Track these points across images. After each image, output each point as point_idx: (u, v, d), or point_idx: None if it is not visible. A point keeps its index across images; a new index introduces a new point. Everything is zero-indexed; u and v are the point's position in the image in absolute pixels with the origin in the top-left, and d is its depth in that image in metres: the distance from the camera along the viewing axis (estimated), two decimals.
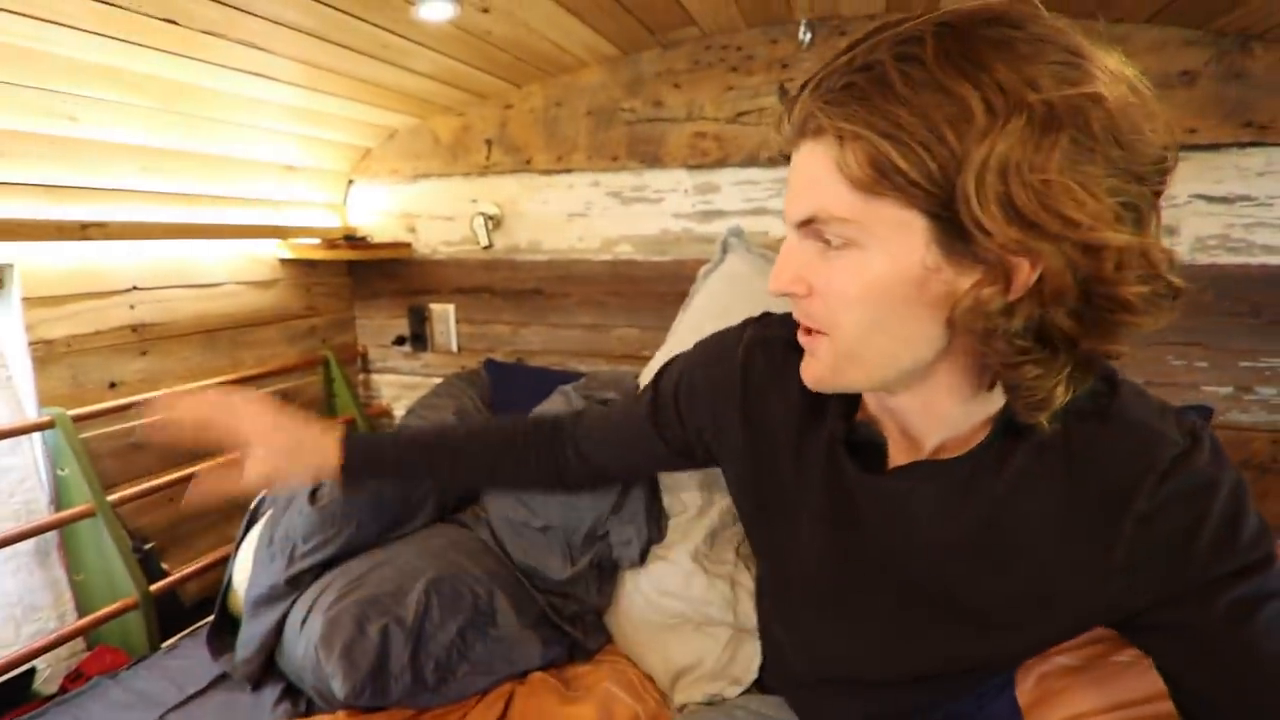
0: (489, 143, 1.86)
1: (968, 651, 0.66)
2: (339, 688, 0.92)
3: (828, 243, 0.53)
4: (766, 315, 0.79)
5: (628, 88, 1.71)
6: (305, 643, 1.01)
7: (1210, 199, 1.40)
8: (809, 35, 1.53)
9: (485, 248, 1.91)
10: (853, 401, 0.69)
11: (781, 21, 1.56)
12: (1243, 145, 1.37)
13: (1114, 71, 0.48)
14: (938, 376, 0.57)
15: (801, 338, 0.60)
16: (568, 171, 1.80)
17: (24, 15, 1.01)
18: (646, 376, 1.46)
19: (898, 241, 0.50)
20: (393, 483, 0.92)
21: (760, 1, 1.44)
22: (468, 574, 1.14)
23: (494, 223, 1.89)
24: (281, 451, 0.82)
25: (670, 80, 1.67)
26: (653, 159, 1.72)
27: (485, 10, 1.29)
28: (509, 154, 1.85)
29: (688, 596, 1.15)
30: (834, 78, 0.50)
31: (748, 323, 0.79)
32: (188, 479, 1.48)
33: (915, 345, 0.54)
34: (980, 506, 0.60)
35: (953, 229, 0.48)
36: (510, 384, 1.74)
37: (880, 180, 0.48)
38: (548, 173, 1.82)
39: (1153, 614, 0.56)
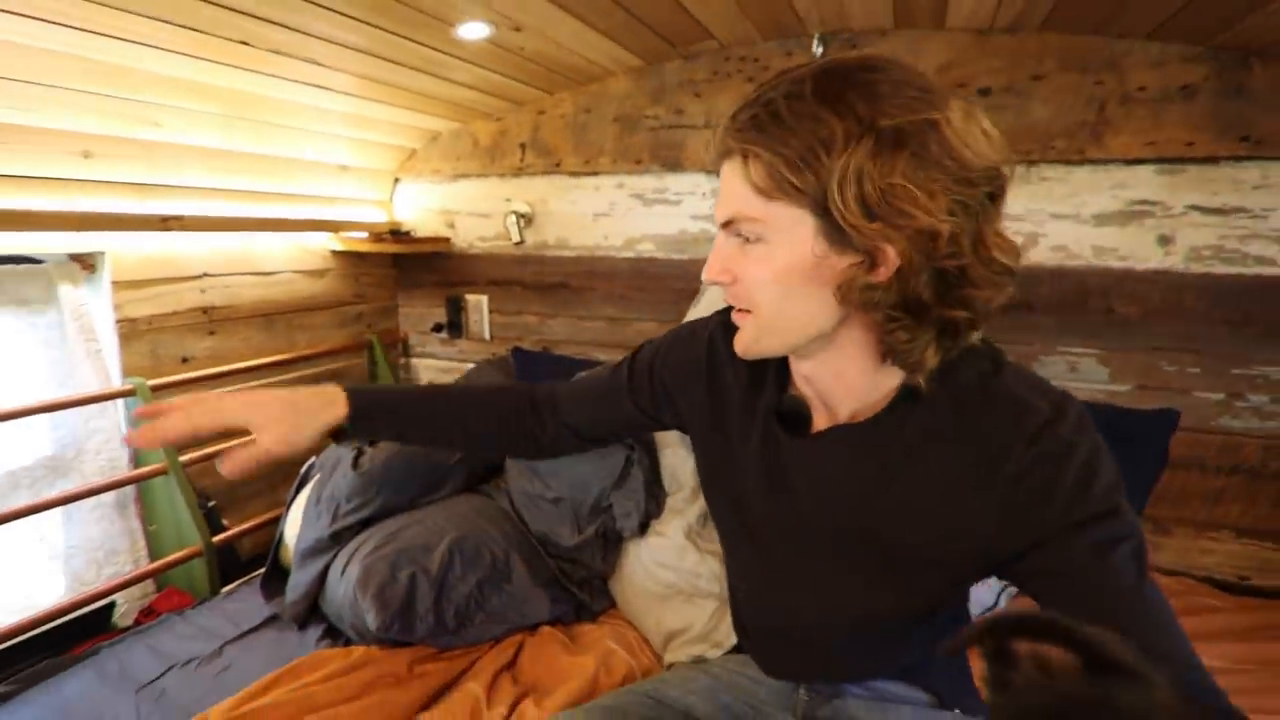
0: (523, 146, 2.00)
1: (889, 593, 0.76)
2: (371, 621, 1.07)
3: (745, 239, 0.65)
4: (731, 308, 0.91)
5: (651, 96, 1.83)
6: (345, 586, 1.17)
7: (1206, 210, 1.44)
8: (822, 48, 1.62)
9: (517, 243, 2.05)
10: (785, 378, 0.80)
11: (796, 35, 1.65)
12: (1239, 159, 1.41)
13: (955, 105, 0.59)
14: (842, 347, 0.68)
15: (734, 316, 0.72)
16: (594, 174, 1.93)
17: (121, 39, 1.18)
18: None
19: (794, 235, 0.62)
20: (395, 432, 0.99)
21: (774, 17, 1.54)
22: (488, 536, 1.28)
23: (526, 220, 2.03)
24: (281, 418, 0.85)
25: (691, 89, 1.78)
26: (673, 163, 1.83)
27: (517, 29, 1.42)
28: (541, 157, 1.98)
29: (680, 569, 1.27)
30: (743, 112, 0.62)
31: (717, 314, 0.91)
32: (250, 443, 1.66)
33: (816, 317, 0.66)
34: (883, 463, 0.71)
35: (832, 224, 0.59)
36: (534, 370, 1.88)
37: (776, 188, 0.60)
38: (576, 175, 1.95)
39: (1027, 558, 0.65)
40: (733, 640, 1.18)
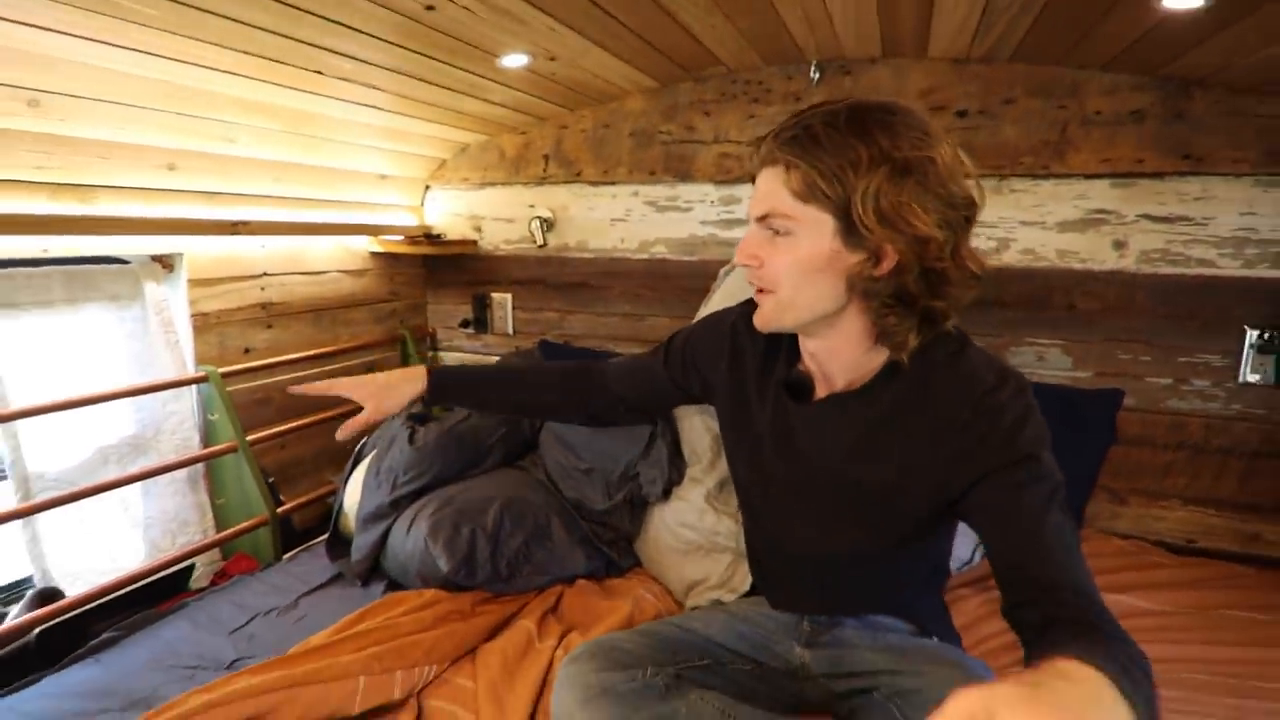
0: (546, 157, 2.19)
1: (872, 531, 0.96)
2: (443, 566, 1.26)
3: (775, 232, 0.85)
4: (750, 300, 1.11)
5: (665, 114, 2.02)
6: (413, 541, 1.35)
7: (1154, 218, 1.65)
8: (818, 74, 1.82)
9: (540, 246, 2.24)
10: (793, 356, 1.00)
11: (795, 61, 1.85)
12: (1182, 174, 1.62)
13: (948, 146, 0.79)
14: (843, 328, 0.88)
15: (756, 295, 0.92)
16: (612, 183, 2.12)
17: (202, 66, 1.34)
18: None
19: (817, 232, 0.81)
20: (472, 401, 1.25)
21: (775, 46, 1.73)
22: (530, 501, 1.47)
23: (548, 225, 2.22)
24: (377, 393, 1.16)
25: (701, 109, 1.98)
26: (684, 174, 2.02)
27: (552, 59, 1.61)
28: (563, 167, 2.17)
29: (700, 528, 1.46)
30: (786, 131, 0.82)
31: (738, 305, 1.11)
32: (299, 429, 1.85)
33: (825, 300, 0.85)
34: (867, 424, 0.90)
35: (849, 226, 0.79)
36: (560, 360, 2.07)
37: (810, 194, 0.80)
38: (595, 184, 2.15)
39: (969, 496, 0.85)
40: (746, 587, 1.37)
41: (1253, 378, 1.62)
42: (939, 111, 1.77)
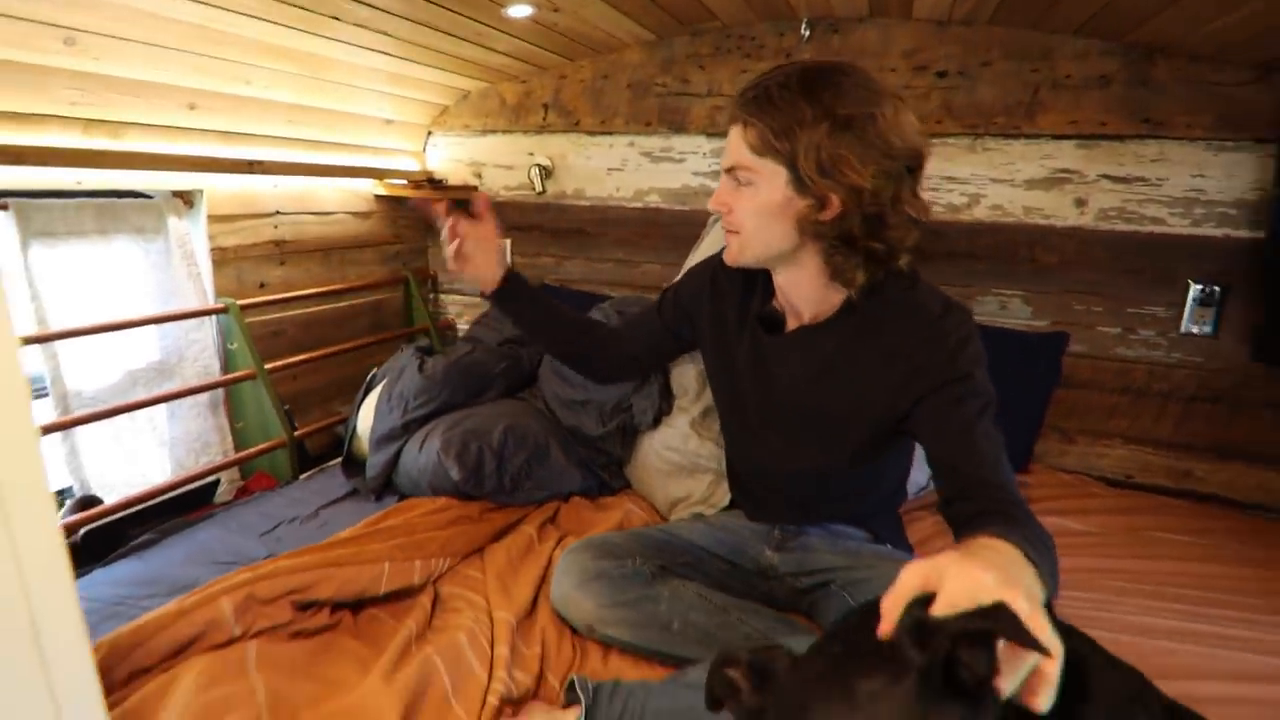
0: (546, 106, 2.27)
1: (833, 447, 1.11)
2: (455, 475, 1.41)
3: (739, 182, 0.98)
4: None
5: (661, 66, 2.11)
6: (426, 456, 1.49)
7: (1113, 178, 1.78)
8: (809, 32, 1.91)
9: (539, 193, 2.34)
10: (768, 295, 1.13)
11: (787, 18, 1.93)
12: (1141, 137, 1.74)
13: (892, 104, 0.90)
14: (802, 265, 1.01)
15: (726, 236, 1.05)
16: (609, 133, 2.21)
17: (224, 9, 1.41)
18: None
19: (772, 183, 0.94)
20: (527, 320, 1.31)
21: (769, 2, 1.82)
22: (531, 426, 1.61)
23: (547, 173, 2.31)
24: (482, 264, 1.24)
25: (696, 62, 2.06)
26: (679, 126, 2.12)
27: (556, 10, 1.69)
28: (562, 116, 2.26)
29: (685, 450, 1.61)
30: (749, 92, 0.95)
31: (717, 254, 1.23)
32: (312, 360, 1.97)
33: (780, 240, 0.98)
34: (829, 353, 1.04)
35: (798, 177, 0.92)
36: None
37: (765, 149, 0.92)
38: (593, 133, 2.23)
39: (913, 412, 0.99)
40: (725, 502, 1.53)
41: (1193, 329, 1.77)
42: (921, 71, 1.87)
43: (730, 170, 0.99)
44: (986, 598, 0.50)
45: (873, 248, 0.95)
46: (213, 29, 1.48)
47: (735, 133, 0.97)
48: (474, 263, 1.23)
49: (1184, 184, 1.72)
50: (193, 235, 1.77)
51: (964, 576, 0.53)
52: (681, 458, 1.62)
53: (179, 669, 0.94)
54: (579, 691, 0.97)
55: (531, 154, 2.32)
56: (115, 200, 1.62)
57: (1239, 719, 1.00)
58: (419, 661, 1.00)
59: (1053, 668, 0.49)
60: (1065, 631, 0.59)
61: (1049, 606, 0.60)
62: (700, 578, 1.23)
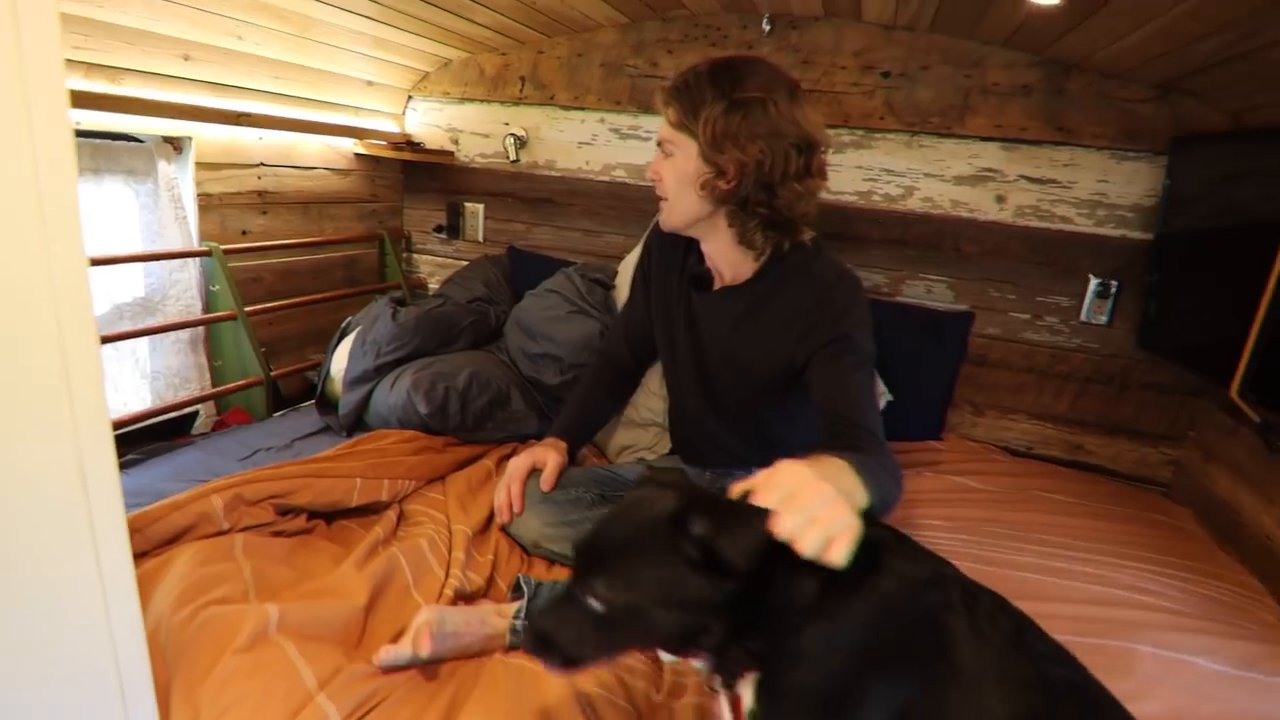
0: (523, 79, 2.39)
1: (749, 393, 1.29)
2: (422, 408, 1.56)
3: (666, 154, 1.14)
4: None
5: (633, 49, 2.25)
6: (397, 394, 1.64)
7: (1031, 179, 1.98)
8: (769, 26, 2.07)
9: (512, 162, 2.47)
10: (698, 258, 1.30)
11: (751, 12, 2.09)
12: (1056, 143, 1.94)
13: (786, 94, 1.07)
14: (718, 230, 1.18)
15: (659, 203, 1.22)
16: (582, 109, 2.35)
17: None
18: (622, 267, 2.07)
19: (686, 153, 1.11)
20: (586, 437, 1.54)
21: None
22: (495, 374, 1.76)
23: (521, 143, 2.44)
24: (555, 461, 1.35)
25: (665, 47, 2.21)
26: (647, 106, 2.26)
27: None
28: (537, 90, 2.38)
29: (633, 404, 1.78)
30: (674, 80, 1.12)
31: (652, 227, 1.40)
32: (289, 306, 2.08)
33: (696, 205, 1.16)
34: (744, 312, 1.22)
35: (702, 150, 1.08)
36: (526, 266, 2.34)
37: (680, 125, 1.10)
38: (566, 108, 2.37)
39: (809, 364, 1.17)
40: (667, 450, 1.71)
41: (1091, 318, 1.99)
42: (868, 70, 2.04)
43: (660, 144, 1.16)
44: (800, 483, 0.68)
45: (765, 213, 1.12)
46: None
47: (665, 114, 1.14)
48: (550, 464, 1.36)
49: (1090, 188, 1.93)
50: (180, 180, 1.87)
51: (791, 470, 0.71)
52: (631, 410, 1.79)
53: (173, 552, 1.09)
54: (523, 586, 1.15)
55: (507, 124, 2.45)
56: (109, 142, 1.72)
57: (1059, 629, 1.21)
58: (385, 558, 1.16)
59: (839, 537, 0.66)
60: (898, 539, 0.77)
61: (873, 515, 0.78)
62: None
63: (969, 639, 0.68)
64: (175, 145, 1.85)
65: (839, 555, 0.66)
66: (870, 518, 0.76)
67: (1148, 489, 2.00)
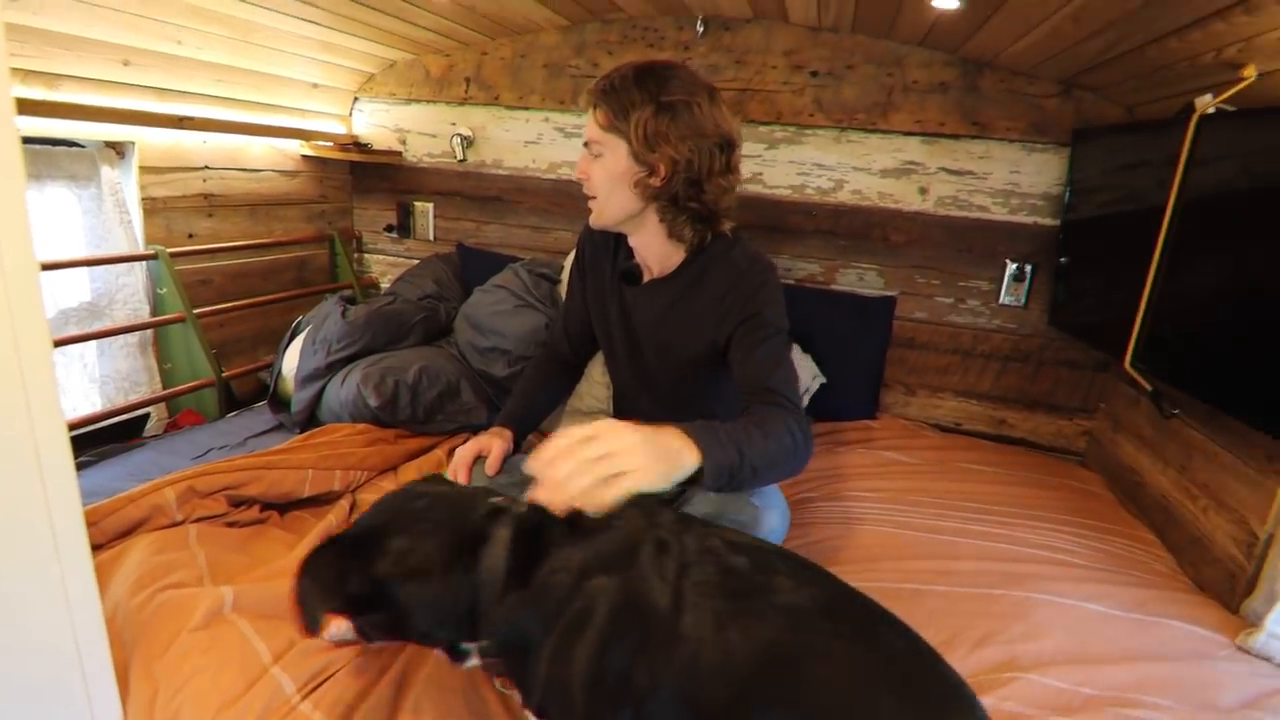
0: (468, 80, 2.44)
1: (679, 375, 1.37)
2: (372, 402, 1.61)
3: (594, 155, 1.21)
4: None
5: (575, 50, 2.31)
6: (347, 389, 1.69)
7: (950, 171, 2.11)
8: (703, 28, 2.16)
9: (460, 161, 2.51)
10: (628, 254, 1.38)
11: (684, 14, 2.17)
12: (972, 137, 2.07)
13: (707, 97, 1.16)
14: (647, 226, 1.26)
15: (589, 202, 1.28)
16: (526, 109, 2.41)
17: None
18: (567, 262, 2.14)
19: (616, 154, 1.18)
20: (531, 426, 1.53)
21: (666, 1, 2.05)
22: (445, 368, 1.82)
23: (468, 143, 2.49)
24: (500, 447, 1.38)
25: (605, 48, 2.28)
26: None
27: None
28: (483, 90, 2.44)
29: (579, 392, 1.86)
30: (599, 84, 1.18)
31: (585, 225, 1.46)
32: (238, 308, 2.10)
33: (626, 203, 1.22)
34: (671, 301, 1.30)
35: (632, 150, 1.16)
36: (475, 262, 2.39)
37: (610, 127, 1.16)
38: (512, 108, 2.43)
39: (729, 344, 1.26)
40: None
41: (1008, 300, 2.13)
42: (798, 70, 2.15)
43: (588, 145, 1.23)
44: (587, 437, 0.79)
45: (694, 208, 1.20)
46: None
47: (590, 115, 1.21)
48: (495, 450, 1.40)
49: (1004, 178, 2.07)
50: (124, 184, 1.88)
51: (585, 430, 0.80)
52: (577, 399, 1.86)
53: (129, 543, 1.13)
54: None
55: (454, 124, 2.49)
56: (49, 148, 1.72)
57: (969, 583, 1.34)
58: None
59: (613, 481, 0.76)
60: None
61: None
62: None
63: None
64: (118, 150, 1.86)
65: (603, 500, 0.75)
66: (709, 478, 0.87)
67: (1065, 459, 2.15)
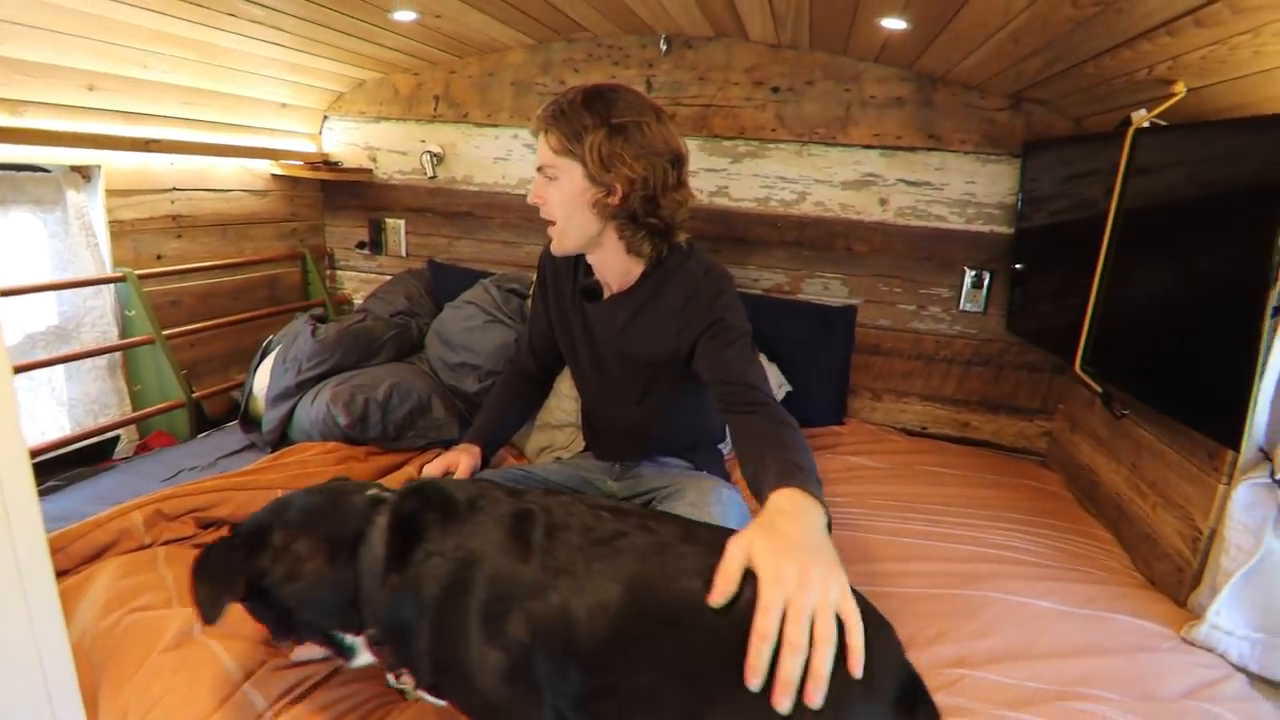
0: (436, 98, 2.47)
1: (643, 386, 1.40)
2: (341, 420, 1.63)
3: (548, 178, 1.24)
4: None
5: (541, 68, 2.35)
6: (317, 409, 1.70)
7: (908, 182, 2.17)
8: (666, 46, 2.21)
9: (430, 178, 2.54)
10: (587, 271, 1.42)
11: (648, 33, 2.22)
12: (928, 149, 2.13)
13: (655, 117, 1.20)
14: (607, 246, 1.29)
15: (548, 229, 1.30)
16: (495, 126, 2.44)
17: (123, 2, 1.56)
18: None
19: (571, 177, 1.21)
20: (501, 441, 1.58)
21: (629, 21, 2.10)
22: (416, 384, 1.84)
23: (438, 160, 2.52)
24: (468, 464, 1.40)
25: (571, 66, 2.32)
26: None
27: (438, 16, 1.91)
28: (452, 108, 2.47)
29: (548, 407, 1.89)
30: (548, 109, 1.20)
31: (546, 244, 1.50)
32: (209, 329, 2.11)
33: (586, 225, 1.25)
34: (632, 313, 1.34)
35: (588, 172, 1.19)
36: (446, 278, 2.41)
37: (563, 150, 1.19)
38: (481, 125, 2.46)
39: (693, 352, 1.30)
40: (579, 448, 1.81)
41: (968, 306, 2.19)
42: (759, 86, 2.20)
43: (541, 169, 1.25)
44: (787, 587, 0.71)
45: (652, 223, 1.24)
46: (111, 19, 1.62)
47: (542, 139, 1.22)
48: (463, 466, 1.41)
49: (960, 189, 2.13)
50: (90, 208, 1.89)
51: (769, 567, 0.72)
52: (546, 413, 1.89)
53: (97, 567, 1.14)
54: None
55: (424, 141, 2.52)
56: (14, 173, 1.73)
57: (926, 584, 1.38)
58: None
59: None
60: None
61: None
62: None
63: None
64: (84, 174, 1.87)
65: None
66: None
67: (1026, 459, 2.21)
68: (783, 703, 0.66)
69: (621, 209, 1.22)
